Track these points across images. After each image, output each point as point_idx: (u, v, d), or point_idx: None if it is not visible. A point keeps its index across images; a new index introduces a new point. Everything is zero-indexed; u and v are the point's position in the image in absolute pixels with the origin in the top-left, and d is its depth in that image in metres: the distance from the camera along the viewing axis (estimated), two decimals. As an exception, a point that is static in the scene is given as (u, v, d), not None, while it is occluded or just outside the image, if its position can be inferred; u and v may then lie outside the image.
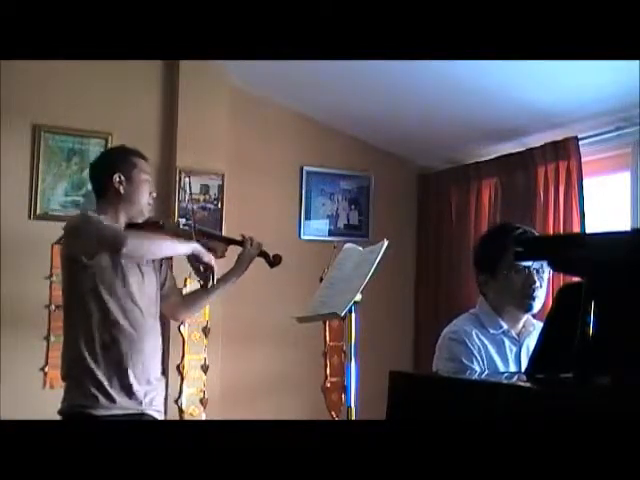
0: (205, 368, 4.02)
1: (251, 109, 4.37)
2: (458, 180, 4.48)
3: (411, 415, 1.27)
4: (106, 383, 2.41)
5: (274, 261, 2.76)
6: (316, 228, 4.55)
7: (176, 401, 3.93)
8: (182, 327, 3.95)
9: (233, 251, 2.74)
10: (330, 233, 4.56)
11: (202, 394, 4.01)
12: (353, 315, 2.32)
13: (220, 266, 2.77)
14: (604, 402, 1.01)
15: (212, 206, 4.12)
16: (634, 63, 2.70)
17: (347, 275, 2.42)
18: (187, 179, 3.77)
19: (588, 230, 3.55)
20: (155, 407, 2.54)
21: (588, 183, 3.59)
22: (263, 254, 2.75)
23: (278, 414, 4.12)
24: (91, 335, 2.43)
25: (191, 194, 3.89)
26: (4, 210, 3.73)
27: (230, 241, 2.77)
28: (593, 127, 3.57)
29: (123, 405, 2.44)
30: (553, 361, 1.29)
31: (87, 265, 2.41)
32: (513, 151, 4.03)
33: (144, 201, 2.59)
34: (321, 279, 2.76)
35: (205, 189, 4.11)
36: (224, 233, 3.82)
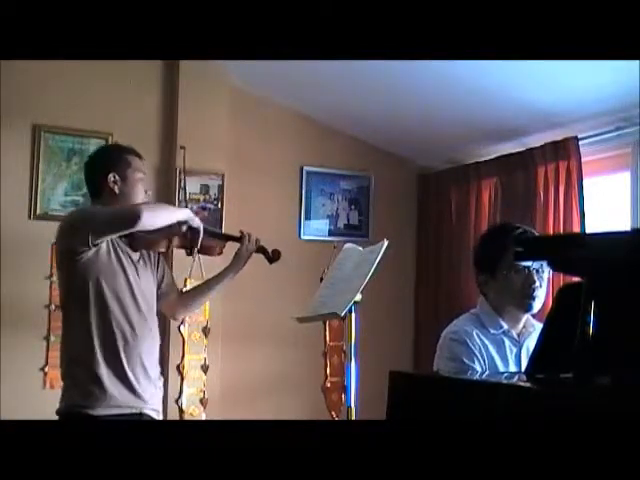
0: (205, 368, 4.02)
1: (251, 109, 4.37)
2: (458, 180, 4.48)
3: (411, 415, 1.27)
4: (104, 382, 2.40)
5: (273, 257, 2.75)
6: (316, 228, 4.55)
7: (176, 401, 3.92)
8: (182, 327, 3.95)
9: (231, 249, 2.73)
10: (330, 233, 4.56)
11: (202, 394, 4.01)
12: (353, 315, 2.32)
13: (220, 263, 2.77)
14: (604, 402, 1.01)
15: (212, 206, 4.12)
16: (634, 63, 2.70)
17: (347, 275, 2.42)
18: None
19: (588, 230, 3.55)
20: (153, 406, 2.54)
21: (588, 183, 3.59)
22: (262, 250, 2.73)
23: (278, 414, 4.12)
24: (89, 334, 2.42)
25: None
26: (4, 210, 3.73)
27: (228, 237, 2.76)
28: (593, 127, 3.57)
29: (122, 404, 2.43)
30: (553, 361, 1.29)
31: (84, 261, 2.39)
32: (513, 151, 4.03)
33: (140, 200, 2.57)
34: (321, 279, 2.76)
35: (205, 189, 4.11)
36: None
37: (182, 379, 3.95)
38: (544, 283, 2.12)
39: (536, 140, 3.84)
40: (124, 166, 2.55)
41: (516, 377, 1.79)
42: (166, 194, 3.99)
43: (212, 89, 4.13)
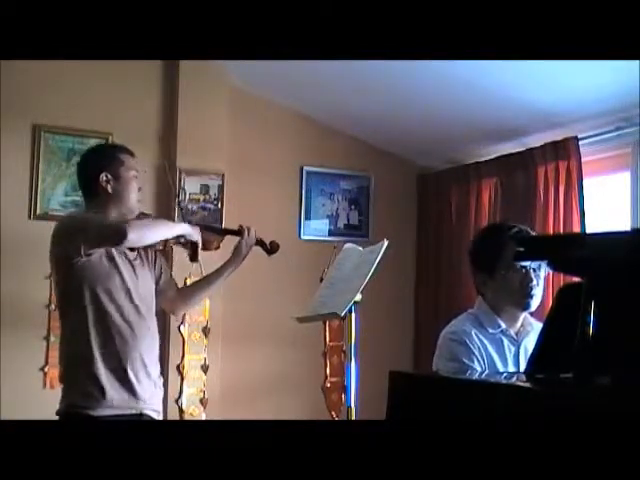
0: (205, 368, 4.02)
1: (251, 109, 4.37)
2: (458, 180, 4.48)
3: (411, 415, 1.27)
4: (104, 382, 2.40)
5: (271, 248, 2.75)
6: (316, 228, 4.55)
7: (176, 401, 3.92)
8: (182, 327, 3.95)
9: (230, 245, 2.73)
10: (330, 233, 4.56)
11: (202, 394, 4.01)
12: (353, 315, 2.32)
13: (218, 259, 2.77)
14: (604, 402, 1.01)
15: (212, 206, 4.12)
16: (634, 63, 2.70)
17: (347, 275, 2.42)
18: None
19: (588, 230, 3.55)
20: (153, 407, 2.53)
21: (588, 183, 3.58)
22: (260, 242, 2.74)
23: (278, 414, 4.12)
24: (87, 336, 2.41)
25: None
26: (4, 210, 3.73)
27: (227, 232, 2.77)
28: (593, 127, 3.57)
29: (122, 404, 2.42)
30: (553, 361, 1.29)
31: (80, 264, 2.39)
32: (513, 151, 4.03)
33: (133, 198, 2.55)
34: (321, 279, 2.76)
35: (205, 189, 4.11)
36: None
37: (182, 379, 3.95)
38: (541, 281, 2.13)
39: (536, 140, 3.84)
40: (117, 165, 2.53)
41: (516, 377, 1.79)
42: (166, 194, 3.98)
43: (212, 89, 4.13)
